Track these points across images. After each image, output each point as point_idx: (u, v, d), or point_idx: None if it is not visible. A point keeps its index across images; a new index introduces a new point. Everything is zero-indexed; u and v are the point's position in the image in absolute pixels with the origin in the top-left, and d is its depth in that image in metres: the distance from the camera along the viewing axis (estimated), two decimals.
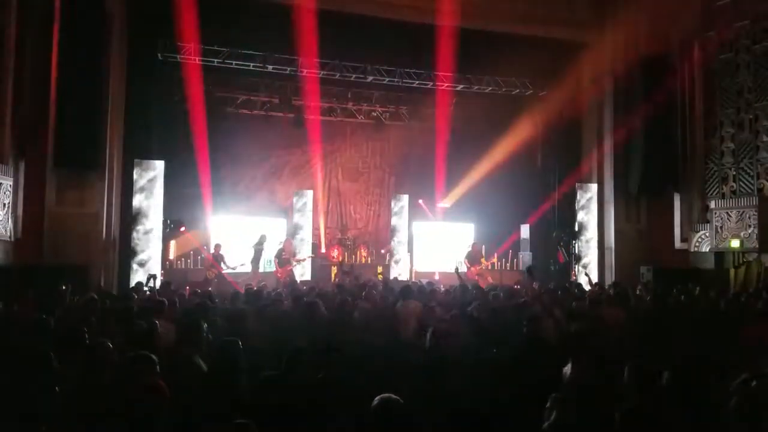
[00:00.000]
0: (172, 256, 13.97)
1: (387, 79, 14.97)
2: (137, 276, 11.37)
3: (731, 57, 13.26)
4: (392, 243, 15.56)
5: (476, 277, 13.60)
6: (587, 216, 14.60)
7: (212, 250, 13.27)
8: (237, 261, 13.06)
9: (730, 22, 13.25)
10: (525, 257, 15.70)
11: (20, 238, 10.36)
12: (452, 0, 13.23)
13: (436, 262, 15.76)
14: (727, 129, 13.39)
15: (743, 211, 12.38)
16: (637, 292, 9.27)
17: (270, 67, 14.12)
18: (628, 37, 14.41)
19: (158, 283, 10.23)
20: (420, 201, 16.35)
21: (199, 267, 13.63)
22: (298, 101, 16.15)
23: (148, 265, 11.72)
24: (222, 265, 12.88)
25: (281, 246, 13.51)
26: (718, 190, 13.48)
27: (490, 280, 13.62)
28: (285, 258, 13.31)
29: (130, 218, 11.89)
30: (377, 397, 2.94)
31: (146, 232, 11.90)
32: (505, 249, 16.06)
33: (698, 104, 13.88)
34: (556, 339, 5.49)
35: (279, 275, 13.06)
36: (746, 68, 12.99)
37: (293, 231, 14.86)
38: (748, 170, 12.89)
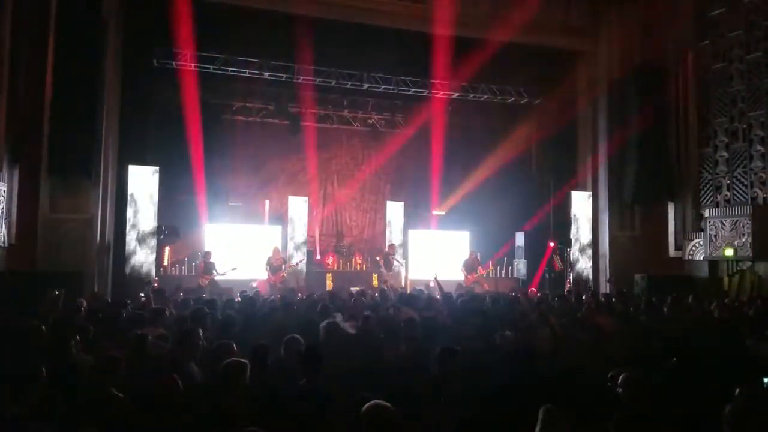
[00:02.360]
0: (166, 262, 13.91)
1: (383, 87, 15.01)
2: (131, 282, 11.32)
3: (725, 66, 13.35)
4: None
5: (472, 285, 13.63)
6: (582, 224, 14.62)
7: (203, 258, 13.22)
8: (228, 267, 13.00)
9: (724, 31, 13.36)
10: (519, 265, 15.71)
11: (14, 244, 10.30)
12: (448, 9, 13.32)
13: (431, 270, 15.68)
14: (720, 138, 13.45)
15: (737, 220, 12.42)
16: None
17: (266, 74, 14.14)
18: (623, 46, 14.52)
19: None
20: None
21: (193, 274, 13.57)
22: (295, 108, 16.16)
23: (143, 272, 11.67)
24: (213, 272, 12.81)
25: (271, 254, 13.57)
26: (712, 198, 13.53)
27: (486, 287, 13.64)
28: (276, 265, 13.36)
29: (123, 225, 11.85)
30: (367, 404, 2.93)
31: (140, 239, 11.86)
32: (501, 257, 16.07)
33: (692, 113, 13.95)
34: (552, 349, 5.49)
35: (272, 282, 13.07)
36: (740, 77, 13.07)
37: (288, 238, 14.82)
38: (742, 179, 12.94)
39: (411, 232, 15.85)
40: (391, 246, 14.99)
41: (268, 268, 13.37)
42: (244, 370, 3.85)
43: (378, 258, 14.83)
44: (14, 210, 10.35)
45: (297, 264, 13.92)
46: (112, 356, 4.06)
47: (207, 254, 13.17)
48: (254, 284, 12.68)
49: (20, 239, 10.41)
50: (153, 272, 12.05)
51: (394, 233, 15.36)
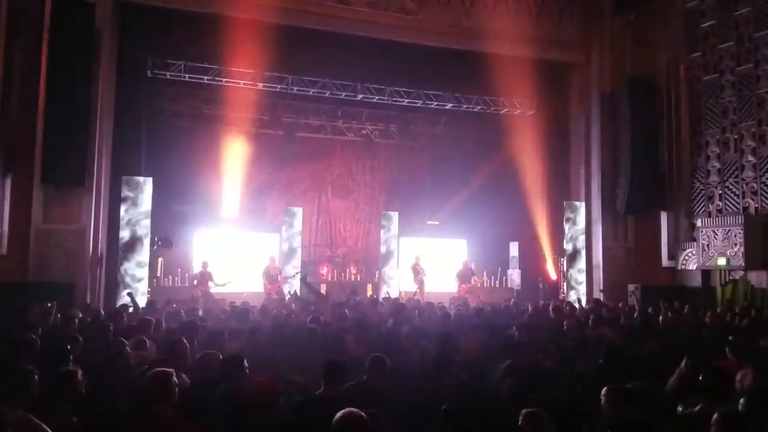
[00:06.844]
0: (159, 273, 13.83)
1: (377, 98, 15.06)
2: (124, 293, 11.24)
3: (716, 78, 13.47)
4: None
5: (466, 295, 13.62)
6: (575, 234, 14.65)
7: (200, 268, 13.12)
8: (225, 279, 12.93)
9: (715, 43, 13.50)
10: (513, 275, 15.72)
11: (5, 254, 10.24)
12: (441, 21, 13.41)
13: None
14: (712, 148, 13.55)
15: (729, 230, 12.47)
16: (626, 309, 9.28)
17: (260, 85, 14.16)
18: (615, 58, 14.64)
19: (137, 300, 10.10)
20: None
21: (186, 285, 13.49)
22: (288, 119, 16.18)
23: (135, 284, 11.59)
24: (210, 283, 12.71)
25: (267, 264, 13.51)
26: (704, 208, 13.60)
27: (480, 298, 13.63)
28: (273, 275, 13.29)
29: (117, 235, 11.77)
30: (339, 412, 2.92)
31: (133, 249, 11.79)
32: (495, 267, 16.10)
33: (684, 124, 14.05)
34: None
35: (269, 292, 13.00)
36: (731, 89, 13.18)
37: (283, 249, 14.78)
38: (734, 189, 13.03)
39: (404, 241, 15.79)
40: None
41: (265, 277, 13.29)
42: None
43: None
44: (6, 220, 10.30)
45: (293, 276, 13.82)
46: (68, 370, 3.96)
47: (204, 264, 13.05)
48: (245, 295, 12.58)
49: (12, 250, 10.35)
50: (146, 283, 11.95)
51: (389, 243, 15.30)
